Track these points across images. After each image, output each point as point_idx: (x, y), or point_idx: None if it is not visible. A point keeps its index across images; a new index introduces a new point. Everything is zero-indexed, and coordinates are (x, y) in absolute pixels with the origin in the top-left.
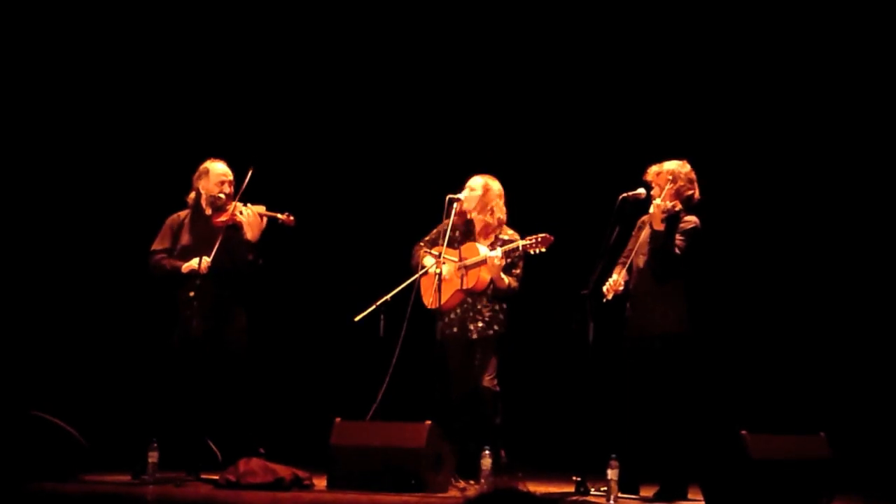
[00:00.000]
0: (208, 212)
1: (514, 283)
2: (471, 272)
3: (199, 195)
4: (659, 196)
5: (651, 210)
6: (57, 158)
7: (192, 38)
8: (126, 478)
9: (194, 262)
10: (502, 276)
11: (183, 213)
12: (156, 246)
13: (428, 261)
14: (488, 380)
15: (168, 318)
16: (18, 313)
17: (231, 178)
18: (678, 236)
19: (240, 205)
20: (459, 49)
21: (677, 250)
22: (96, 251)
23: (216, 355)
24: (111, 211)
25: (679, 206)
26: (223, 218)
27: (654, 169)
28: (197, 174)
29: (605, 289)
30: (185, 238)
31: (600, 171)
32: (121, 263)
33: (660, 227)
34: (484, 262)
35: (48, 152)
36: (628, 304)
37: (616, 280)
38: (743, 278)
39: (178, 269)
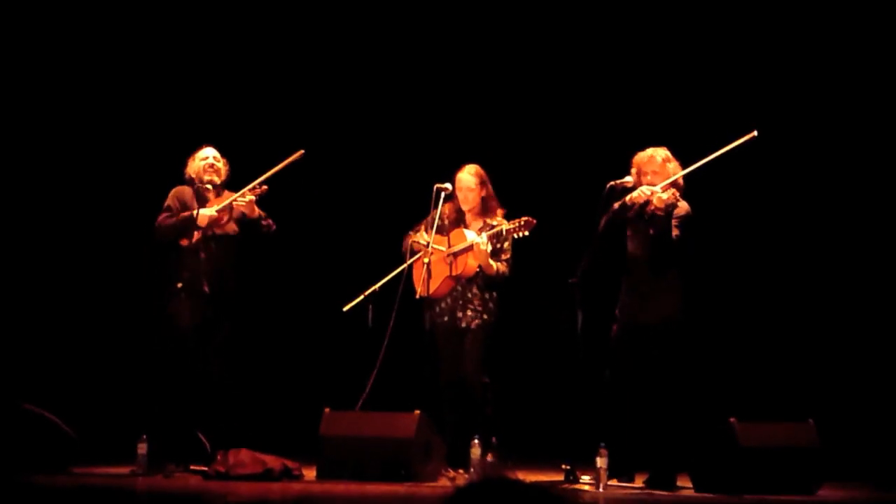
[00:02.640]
0: (207, 195)
1: (504, 268)
2: (459, 259)
3: (191, 179)
4: (657, 181)
5: (655, 202)
6: (45, 149)
7: (176, 26)
8: (116, 470)
9: (210, 211)
10: (490, 262)
11: (187, 188)
12: (164, 214)
13: (417, 250)
14: (477, 372)
15: (157, 310)
16: (8, 306)
17: (218, 158)
18: (673, 221)
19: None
20: (447, 37)
21: (674, 238)
22: (85, 243)
23: (205, 347)
24: (101, 202)
25: (678, 197)
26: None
27: (644, 154)
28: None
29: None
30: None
31: (587, 159)
32: (110, 256)
33: (660, 212)
34: (471, 248)
35: (35, 143)
36: (625, 290)
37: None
38: (731, 266)
39: (187, 218)
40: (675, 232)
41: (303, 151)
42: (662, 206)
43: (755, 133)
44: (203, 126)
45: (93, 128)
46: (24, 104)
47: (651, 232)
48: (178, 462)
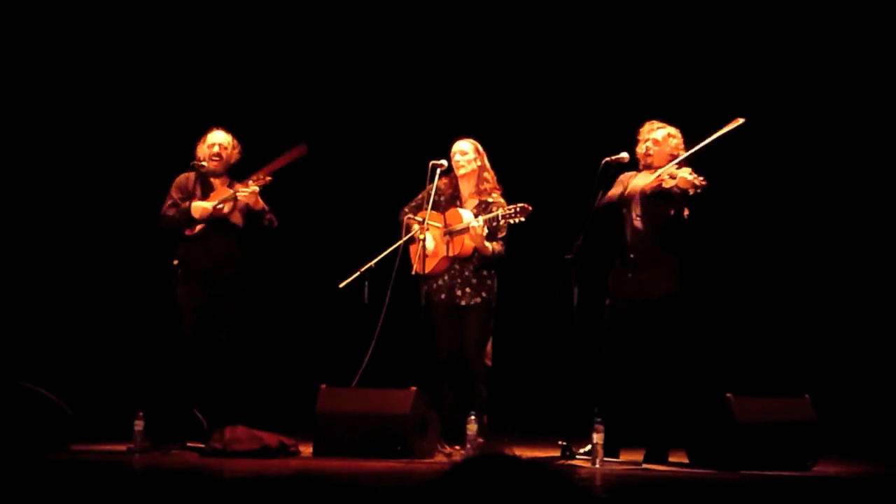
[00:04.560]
0: (213, 182)
1: (499, 247)
2: (456, 239)
3: (197, 163)
4: (652, 151)
5: (682, 174)
6: (49, 133)
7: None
8: (113, 447)
9: (206, 205)
10: (486, 243)
11: (191, 176)
12: (166, 204)
13: (413, 227)
14: (478, 352)
15: (158, 292)
16: (7, 284)
17: (225, 145)
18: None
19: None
20: (444, 15)
21: (685, 216)
22: (85, 225)
23: (208, 325)
24: (103, 185)
25: (702, 181)
26: (223, 201)
27: (653, 123)
28: (199, 141)
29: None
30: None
31: (583, 135)
32: (111, 238)
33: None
34: (467, 229)
35: (37, 128)
36: (625, 265)
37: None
38: (728, 242)
39: (185, 210)
40: (685, 211)
41: (306, 147)
42: (688, 186)
43: (742, 120)
44: (207, 108)
45: (97, 114)
46: (38, 96)
47: (672, 212)
48: (175, 439)
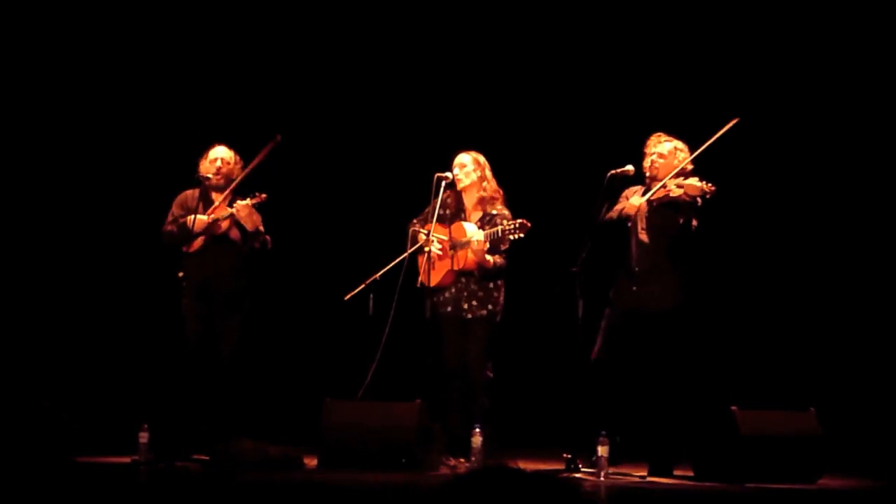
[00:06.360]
0: (213, 197)
1: (500, 260)
2: (460, 252)
3: (201, 178)
4: (658, 163)
5: (691, 182)
6: (51, 149)
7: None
8: (118, 459)
9: (204, 217)
10: (487, 257)
11: (194, 192)
12: (167, 220)
13: (420, 237)
14: (479, 364)
15: (163, 307)
16: (13, 296)
17: (228, 160)
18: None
19: (235, 205)
20: (447, 25)
21: (692, 227)
22: (91, 241)
23: (212, 338)
24: (105, 196)
25: (710, 187)
26: (220, 219)
27: (657, 139)
28: (202, 156)
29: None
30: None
31: (588, 147)
32: (116, 252)
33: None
34: (469, 243)
35: (44, 143)
36: (629, 278)
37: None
38: (733, 254)
39: (184, 225)
40: (693, 221)
41: (279, 137)
42: (697, 193)
43: (737, 119)
44: (211, 125)
45: (103, 130)
46: (43, 111)
47: (680, 221)
48: (180, 451)
